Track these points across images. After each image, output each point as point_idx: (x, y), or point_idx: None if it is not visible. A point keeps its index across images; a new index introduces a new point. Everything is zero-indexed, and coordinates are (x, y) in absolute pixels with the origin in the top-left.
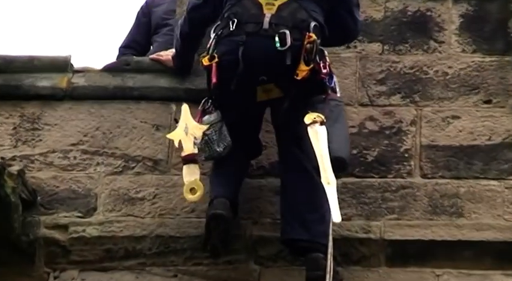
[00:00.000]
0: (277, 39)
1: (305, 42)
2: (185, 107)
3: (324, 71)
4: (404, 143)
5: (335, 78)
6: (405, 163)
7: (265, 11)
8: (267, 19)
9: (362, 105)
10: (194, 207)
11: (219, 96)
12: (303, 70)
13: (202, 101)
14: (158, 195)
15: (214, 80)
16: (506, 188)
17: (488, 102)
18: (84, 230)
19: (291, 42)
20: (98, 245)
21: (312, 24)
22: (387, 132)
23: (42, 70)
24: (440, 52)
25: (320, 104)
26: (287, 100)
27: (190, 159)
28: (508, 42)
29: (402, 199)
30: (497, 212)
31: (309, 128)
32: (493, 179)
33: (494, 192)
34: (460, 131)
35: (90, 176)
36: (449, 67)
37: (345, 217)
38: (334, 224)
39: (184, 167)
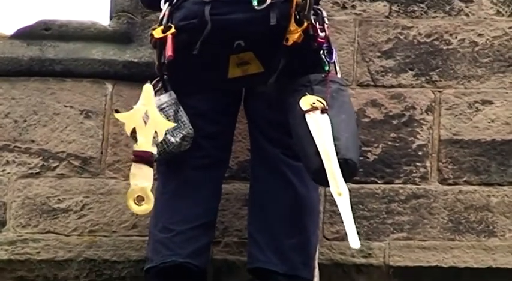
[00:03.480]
0: None
1: None
2: (148, 88)
3: (322, 34)
4: (418, 137)
5: (335, 53)
6: (418, 164)
7: None
8: None
9: (362, 85)
10: (136, 222)
11: (175, 74)
12: (294, 32)
13: (154, 81)
14: (88, 205)
15: (169, 52)
16: None
17: None
18: None
19: None
20: (8, 271)
21: None
22: (395, 122)
23: None
24: (467, 15)
25: (317, 86)
26: (273, 75)
27: (144, 158)
28: None
29: (414, 212)
30: None
31: (307, 117)
32: None
33: None
34: (493, 121)
35: None
36: (480, 35)
37: (337, 236)
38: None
39: (134, 165)
